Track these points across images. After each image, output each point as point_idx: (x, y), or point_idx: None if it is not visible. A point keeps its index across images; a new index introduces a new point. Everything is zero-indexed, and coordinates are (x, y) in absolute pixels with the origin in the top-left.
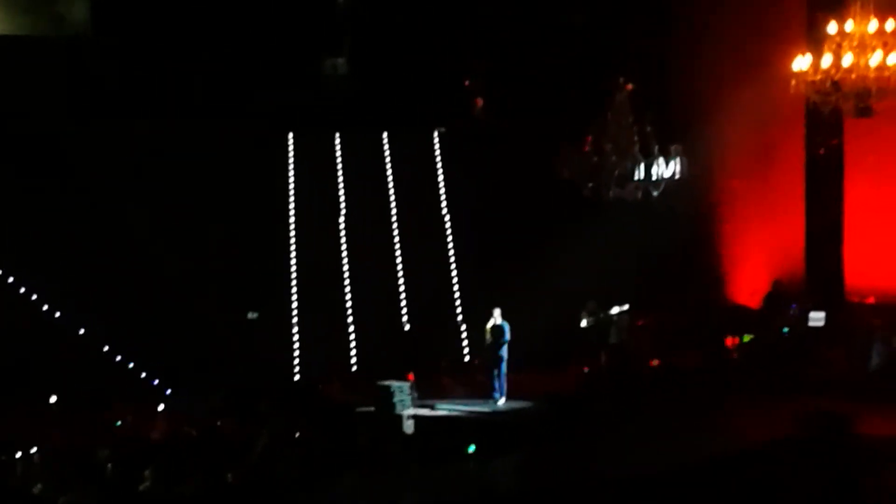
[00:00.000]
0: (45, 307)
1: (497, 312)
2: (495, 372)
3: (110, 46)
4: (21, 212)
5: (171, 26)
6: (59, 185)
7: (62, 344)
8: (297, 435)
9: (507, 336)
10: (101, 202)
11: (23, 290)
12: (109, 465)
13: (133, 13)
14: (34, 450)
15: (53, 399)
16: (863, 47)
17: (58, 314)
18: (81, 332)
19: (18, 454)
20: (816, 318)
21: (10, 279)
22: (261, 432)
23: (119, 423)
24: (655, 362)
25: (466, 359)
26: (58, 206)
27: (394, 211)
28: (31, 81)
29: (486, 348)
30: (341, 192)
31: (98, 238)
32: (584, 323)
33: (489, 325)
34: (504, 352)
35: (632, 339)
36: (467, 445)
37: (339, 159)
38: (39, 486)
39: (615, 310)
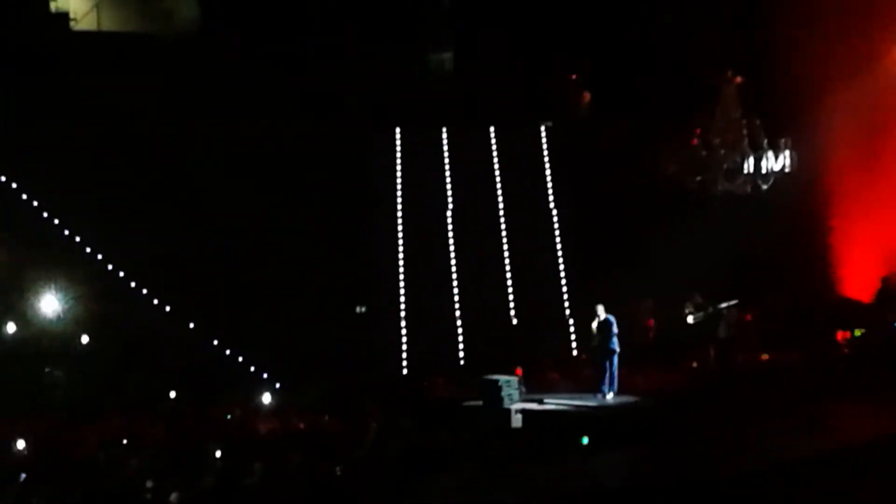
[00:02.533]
0: (155, 302)
1: (600, 308)
2: (606, 365)
3: (217, 44)
4: (129, 210)
5: (277, 24)
6: (169, 184)
7: (172, 339)
8: (403, 430)
9: (616, 329)
10: (212, 202)
11: (133, 284)
12: (219, 460)
13: (240, 11)
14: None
15: (172, 395)
16: None
17: (167, 309)
18: (191, 326)
19: (130, 449)
20: None
21: (121, 273)
22: (367, 427)
23: (228, 416)
24: (765, 357)
25: (574, 353)
26: (167, 205)
27: (501, 206)
28: (138, 78)
29: (595, 345)
30: (448, 187)
31: (209, 236)
32: (690, 319)
33: (594, 323)
34: (615, 345)
35: (740, 334)
36: (580, 438)
37: (446, 155)
38: (151, 481)
39: (723, 304)
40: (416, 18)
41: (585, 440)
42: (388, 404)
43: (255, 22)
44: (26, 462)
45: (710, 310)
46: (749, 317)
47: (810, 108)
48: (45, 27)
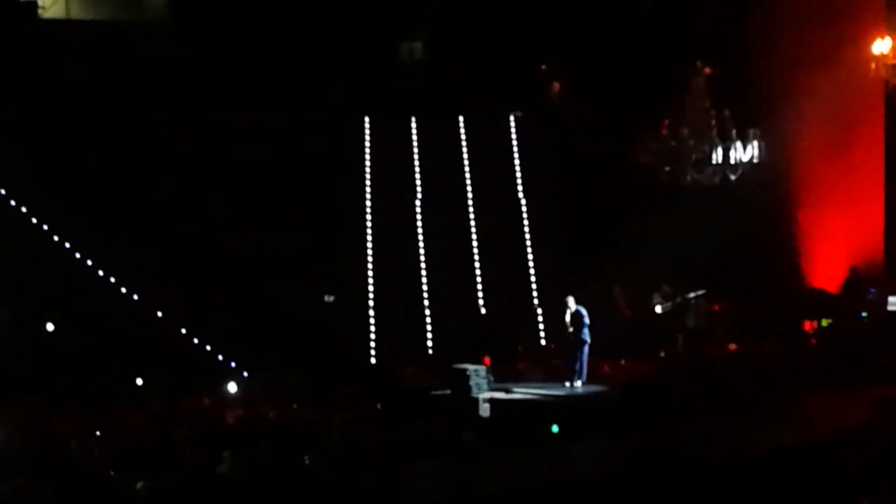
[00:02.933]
0: (123, 290)
1: (571, 300)
2: (577, 354)
3: (187, 33)
4: (101, 196)
5: (247, 13)
6: (138, 172)
7: (140, 327)
8: (373, 419)
9: (587, 320)
10: (180, 189)
11: (101, 272)
12: (187, 449)
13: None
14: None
15: (139, 382)
16: None
17: (136, 297)
18: (159, 314)
19: (97, 437)
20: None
21: (89, 262)
22: (336, 417)
23: (196, 406)
24: (733, 347)
25: (542, 342)
26: (137, 192)
27: (470, 196)
28: (111, 67)
29: (567, 334)
30: (417, 176)
31: (177, 223)
32: (658, 308)
33: (567, 315)
34: (585, 335)
35: (709, 324)
36: (549, 427)
37: (415, 144)
38: (116, 470)
39: (691, 294)
40: (387, 7)
41: (556, 428)
42: (359, 392)
43: (225, 9)
44: None
45: (679, 299)
46: (718, 307)
47: (779, 99)
48: (14, 16)
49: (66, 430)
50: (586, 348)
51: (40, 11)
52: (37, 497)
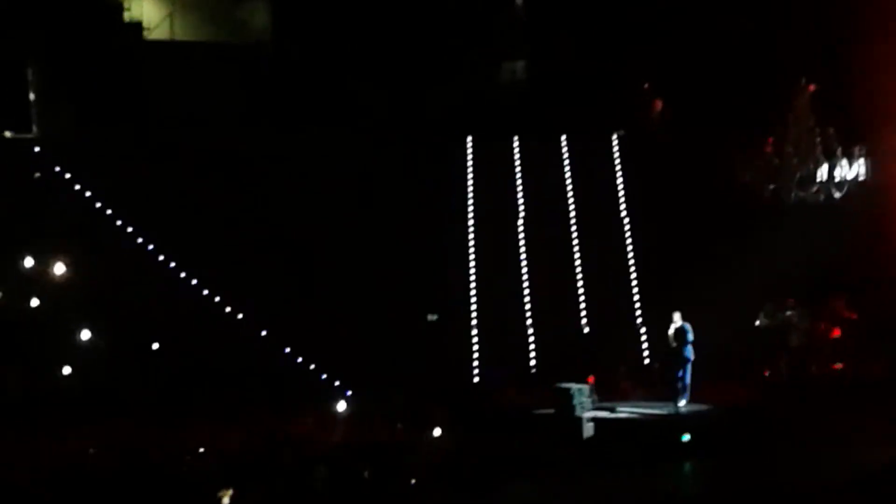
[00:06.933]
0: (228, 310)
1: (677, 316)
2: (679, 374)
3: (289, 54)
4: (204, 215)
5: (349, 33)
6: (240, 191)
7: (246, 346)
8: (471, 437)
9: (691, 337)
10: (283, 209)
11: (205, 292)
12: (288, 465)
13: (312, 21)
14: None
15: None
16: None
17: (240, 316)
18: (264, 334)
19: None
20: None
21: (194, 281)
22: (433, 435)
23: (305, 425)
24: (838, 366)
25: (646, 362)
26: (240, 214)
27: (573, 214)
28: (211, 87)
29: (669, 352)
30: (520, 195)
31: (280, 242)
32: (758, 322)
33: (671, 329)
34: (689, 353)
35: (813, 343)
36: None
37: (517, 163)
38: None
39: (793, 312)
40: (490, 27)
41: (686, 437)
42: (461, 413)
43: (326, 30)
44: (104, 467)
45: (780, 316)
46: (823, 326)
47: (885, 116)
48: (120, 36)
49: (173, 447)
50: (689, 367)
51: (145, 33)
52: None
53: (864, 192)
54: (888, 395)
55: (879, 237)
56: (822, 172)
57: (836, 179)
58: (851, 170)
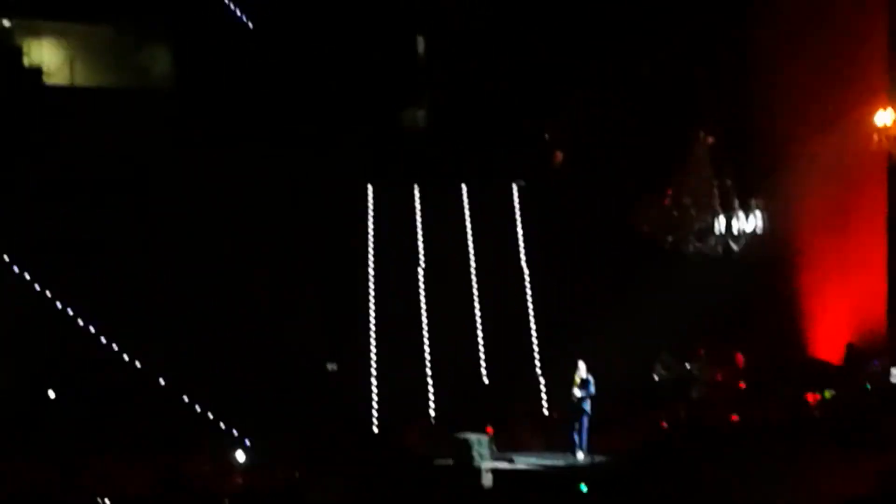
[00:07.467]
0: (126, 357)
1: (582, 365)
2: (576, 426)
3: (193, 99)
4: (102, 260)
5: (252, 78)
6: (141, 236)
7: (142, 392)
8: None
9: (592, 390)
10: (180, 258)
11: (103, 339)
12: None
13: (216, 67)
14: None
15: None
16: None
17: (138, 365)
18: (161, 382)
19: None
20: None
21: (91, 328)
22: (334, 481)
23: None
24: (735, 417)
25: (545, 412)
26: (139, 259)
27: (472, 262)
28: (116, 132)
29: (569, 402)
30: (420, 243)
31: (177, 290)
32: (656, 377)
33: (576, 377)
34: (587, 406)
35: (710, 394)
36: (578, 485)
37: (418, 210)
38: None
39: (691, 364)
40: (390, 75)
41: (584, 487)
42: (360, 460)
43: (229, 76)
44: None
45: (678, 368)
46: (720, 376)
47: (781, 169)
48: (18, 81)
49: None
50: (586, 419)
51: (45, 78)
52: None
53: (759, 244)
54: (781, 444)
55: (773, 287)
56: (720, 224)
57: (734, 232)
58: (749, 222)
